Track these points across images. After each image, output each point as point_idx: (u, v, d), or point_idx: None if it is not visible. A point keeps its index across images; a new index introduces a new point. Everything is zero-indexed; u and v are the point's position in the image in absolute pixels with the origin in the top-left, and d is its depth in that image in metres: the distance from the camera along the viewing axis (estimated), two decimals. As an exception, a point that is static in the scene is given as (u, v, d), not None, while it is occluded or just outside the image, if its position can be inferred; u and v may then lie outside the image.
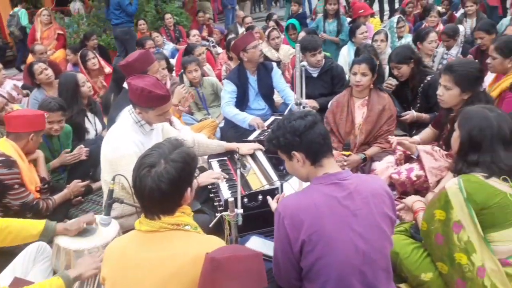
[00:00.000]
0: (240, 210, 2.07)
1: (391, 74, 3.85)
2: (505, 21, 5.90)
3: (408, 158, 3.01)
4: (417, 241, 2.10)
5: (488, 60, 3.34)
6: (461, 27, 5.34)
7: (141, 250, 1.51)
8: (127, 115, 2.62)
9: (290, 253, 1.64)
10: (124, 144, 2.51)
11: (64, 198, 2.95)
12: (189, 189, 1.57)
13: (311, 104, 4.12)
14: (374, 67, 3.24)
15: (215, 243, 1.52)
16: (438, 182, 2.66)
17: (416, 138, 3.13)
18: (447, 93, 2.72)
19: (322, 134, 1.74)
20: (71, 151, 3.42)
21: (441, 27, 6.24)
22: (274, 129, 1.85)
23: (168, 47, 7.37)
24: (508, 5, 7.73)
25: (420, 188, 2.78)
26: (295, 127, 1.73)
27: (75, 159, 3.36)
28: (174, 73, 5.42)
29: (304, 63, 3.42)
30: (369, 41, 5.07)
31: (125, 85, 3.23)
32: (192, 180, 1.60)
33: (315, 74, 4.29)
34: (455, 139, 1.99)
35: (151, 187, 1.47)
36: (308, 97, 4.21)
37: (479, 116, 1.91)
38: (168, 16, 8.14)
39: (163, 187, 1.46)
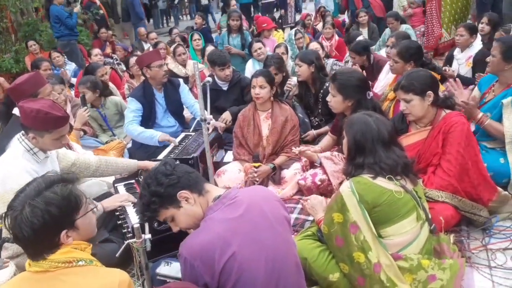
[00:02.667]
0: (148, 236, 2.00)
1: None
2: (387, 31, 6.51)
3: (313, 164, 3.17)
4: (323, 243, 2.18)
5: (390, 63, 3.67)
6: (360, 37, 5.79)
7: None
8: (17, 144, 2.40)
9: None
10: (15, 175, 2.28)
11: None
12: (64, 232, 1.44)
13: (227, 118, 4.13)
14: (271, 80, 3.37)
15: (114, 275, 1.43)
16: (340, 184, 2.83)
17: (317, 147, 3.31)
18: (333, 100, 2.94)
19: (186, 168, 1.75)
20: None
21: (336, 38, 6.70)
22: (144, 192, 1.71)
23: (70, 67, 6.96)
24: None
25: (325, 191, 2.93)
26: (163, 171, 1.71)
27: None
28: (73, 94, 5.12)
29: (210, 78, 3.47)
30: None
31: (15, 111, 2.98)
32: (69, 221, 1.46)
33: (225, 88, 4.36)
34: (344, 144, 2.14)
35: (13, 232, 1.39)
36: (220, 109, 4.28)
37: (360, 122, 2.06)
38: (63, 34, 7.69)
39: (25, 234, 1.37)
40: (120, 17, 10.16)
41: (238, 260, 1.56)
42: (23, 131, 2.43)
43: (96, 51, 6.33)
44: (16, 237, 1.39)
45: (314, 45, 5.13)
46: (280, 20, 10.43)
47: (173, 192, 1.68)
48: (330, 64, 4.97)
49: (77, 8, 7.95)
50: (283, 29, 8.52)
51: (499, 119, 2.92)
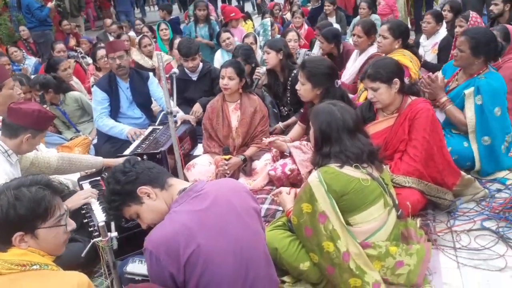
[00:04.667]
0: (114, 234, 1.94)
1: None
2: (358, 18, 6.55)
3: (283, 154, 3.17)
4: (294, 233, 2.18)
5: (379, 39, 3.71)
6: None
7: None
8: None
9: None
10: None
11: None
12: (19, 233, 1.38)
13: (198, 110, 4.06)
14: (241, 72, 3.30)
15: (72, 278, 1.37)
16: (309, 173, 2.84)
17: (287, 137, 3.30)
18: (302, 88, 2.94)
19: (148, 164, 1.76)
20: None
21: (305, 27, 6.69)
22: (106, 191, 1.76)
23: (30, 62, 6.67)
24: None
25: (294, 181, 2.95)
26: (121, 169, 1.72)
27: None
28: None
29: (176, 70, 3.38)
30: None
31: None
32: (30, 225, 1.40)
33: (194, 78, 4.29)
34: (311, 135, 2.14)
35: None
36: (189, 100, 4.20)
37: (325, 112, 2.06)
38: (23, 28, 7.36)
39: None
40: (69, 12, 9.84)
41: (204, 253, 1.53)
42: None
43: (59, 46, 6.06)
44: None
45: (292, 35, 5.00)
46: (261, 8, 10.36)
47: (132, 188, 1.66)
48: (302, 54, 4.96)
49: (51, 4, 7.68)
50: (263, 16, 8.41)
51: (461, 109, 2.98)
